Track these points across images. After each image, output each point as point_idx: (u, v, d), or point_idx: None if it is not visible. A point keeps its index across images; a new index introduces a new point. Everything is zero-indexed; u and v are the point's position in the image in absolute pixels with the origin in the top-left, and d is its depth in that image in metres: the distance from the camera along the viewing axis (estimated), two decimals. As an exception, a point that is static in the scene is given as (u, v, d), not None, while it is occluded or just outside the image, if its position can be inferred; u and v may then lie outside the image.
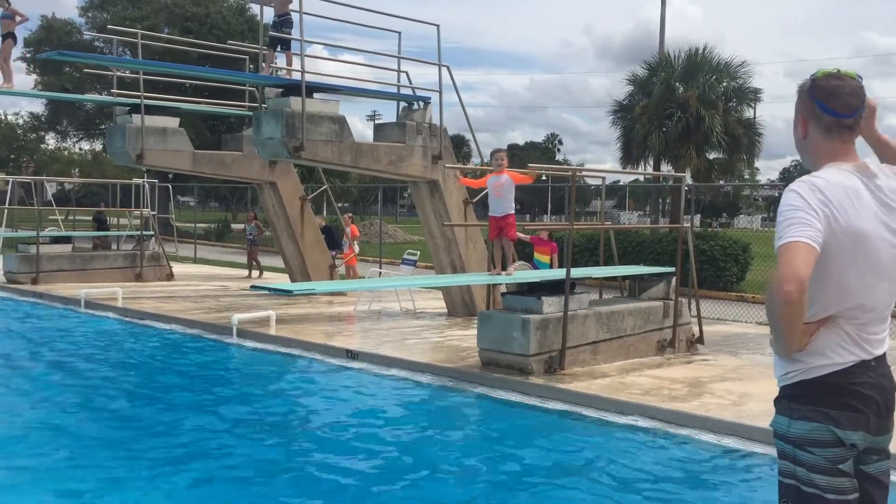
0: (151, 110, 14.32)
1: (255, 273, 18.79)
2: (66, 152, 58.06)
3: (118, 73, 15.11)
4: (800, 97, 2.64)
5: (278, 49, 12.32)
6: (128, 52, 29.30)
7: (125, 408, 7.48)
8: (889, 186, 2.54)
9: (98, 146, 48.48)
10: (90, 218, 25.00)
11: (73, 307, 13.60)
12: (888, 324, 2.58)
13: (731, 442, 6.35)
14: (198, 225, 31.44)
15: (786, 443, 2.53)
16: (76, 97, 31.45)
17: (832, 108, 2.54)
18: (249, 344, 10.50)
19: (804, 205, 2.39)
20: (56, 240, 18.37)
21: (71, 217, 27.18)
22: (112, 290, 13.92)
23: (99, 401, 7.68)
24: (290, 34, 11.89)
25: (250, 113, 14.38)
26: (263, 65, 11.99)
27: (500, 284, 9.76)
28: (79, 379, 8.59)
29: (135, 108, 14.09)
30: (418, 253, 14.90)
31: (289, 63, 12.25)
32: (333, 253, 16.69)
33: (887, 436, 2.56)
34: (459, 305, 12.85)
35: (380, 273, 15.97)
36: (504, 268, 9.49)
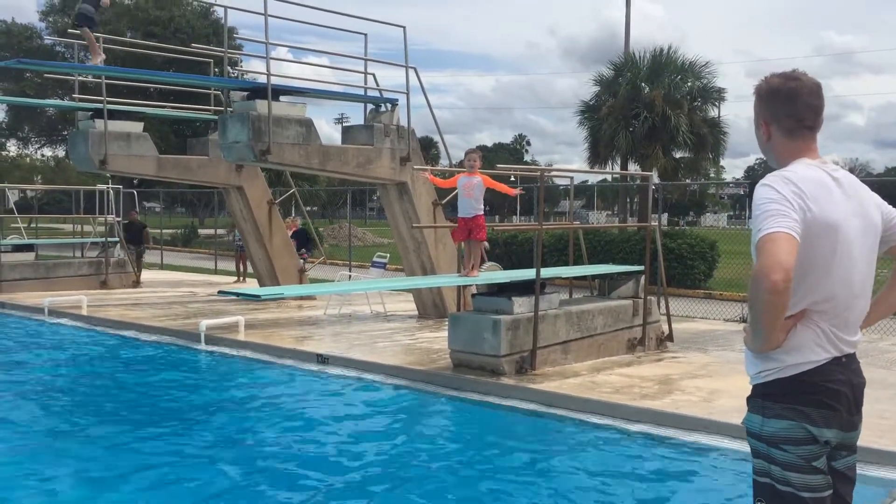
0: (115, 115, 14.13)
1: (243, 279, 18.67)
2: (27, 159, 57.06)
3: (80, 78, 14.88)
4: (759, 100, 2.65)
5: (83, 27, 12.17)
6: (90, 57, 28.88)
7: (87, 418, 7.33)
8: (846, 180, 2.57)
9: (61, 152, 47.73)
10: (53, 225, 24.60)
11: (36, 316, 13.35)
12: (860, 318, 2.60)
13: (701, 438, 6.38)
14: (164, 231, 31.06)
15: (759, 441, 2.53)
16: (37, 102, 30.96)
17: (793, 111, 2.56)
18: (218, 350, 10.37)
19: (779, 197, 2.40)
20: (18, 248, 18.03)
21: (34, 225, 26.70)
22: (77, 298, 13.69)
23: (60, 411, 7.53)
24: (91, 11, 11.78)
25: (216, 117, 14.23)
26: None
27: (471, 286, 9.75)
28: (41, 389, 8.42)
29: (98, 113, 13.88)
30: (388, 255, 14.85)
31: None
32: (306, 256, 16.60)
33: (856, 432, 2.58)
34: (430, 307, 12.82)
35: (349, 276, 15.89)
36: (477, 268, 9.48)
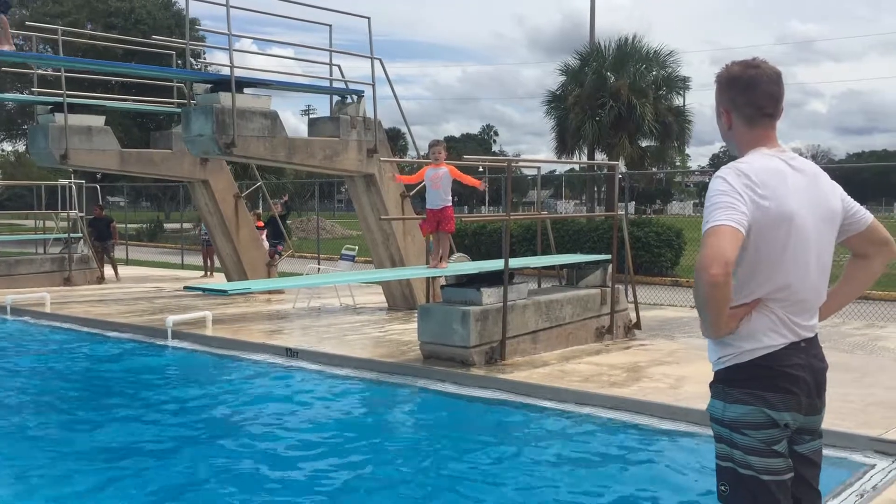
0: (75, 109, 13.87)
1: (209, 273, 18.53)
2: (-14, 154, 55.93)
3: (40, 72, 14.59)
4: (719, 89, 2.66)
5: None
6: (49, 50, 28.30)
7: (53, 416, 7.22)
8: (806, 168, 2.60)
9: (21, 147, 46.83)
10: (14, 222, 24.15)
11: (-2, 315, 13.10)
12: (818, 304, 2.63)
13: (668, 425, 6.45)
14: (129, 225, 30.64)
15: (722, 426, 2.56)
16: (-5, 96, 30.24)
17: (752, 98, 2.58)
18: (185, 346, 10.26)
19: (730, 189, 2.43)
20: (-22, 245, 17.67)
21: (-6, 221, 26.21)
22: (39, 295, 13.45)
23: (25, 409, 7.40)
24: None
25: (179, 110, 14.04)
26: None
27: (440, 277, 9.75)
28: (6, 388, 8.27)
29: (58, 107, 13.63)
30: (357, 248, 14.79)
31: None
32: (280, 248, 16.50)
33: (818, 416, 2.62)
34: (399, 299, 12.80)
35: (318, 269, 15.81)
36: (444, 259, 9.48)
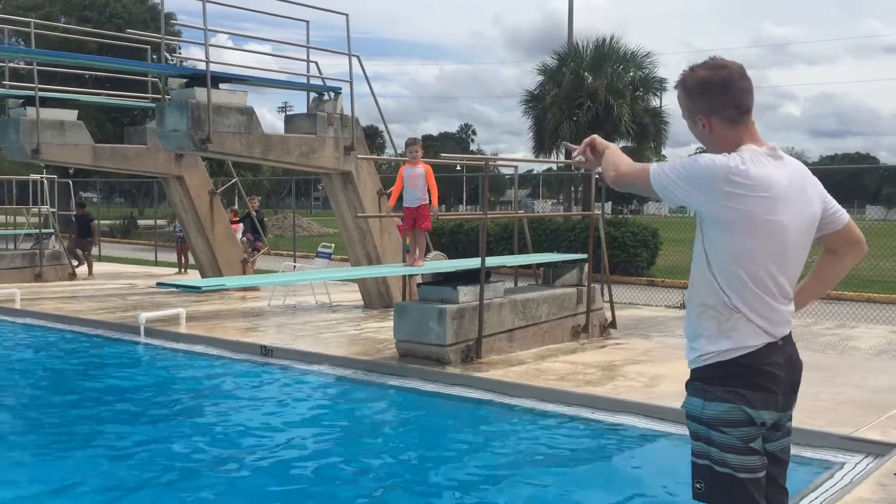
0: (47, 102, 13.68)
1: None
2: (-44, 148, 55.04)
3: (11, 65, 14.37)
4: (689, 95, 2.62)
5: None
6: (21, 43, 27.88)
7: (16, 412, 7.11)
8: (792, 166, 2.61)
9: (-8, 141, 46.11)
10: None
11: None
12: (792, 303, 2.64)
13: (643, 423, 6.47)
14: (102, 222, 30.29)
15: (699, 424, 2.57)
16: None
17: (730, 99, 2.57)
18: (158, 343, 10.15)
19: (700, 164, 2.50)
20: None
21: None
22: (9, 291, 13.25)
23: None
24: None
25: (154, 105, 13.89)
26: None
27: (416, 275, 9.73)
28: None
29: (29, 101, 13.42)
30: (333, 245, 14.73)
31: None
32: (260, 245, 16.41)
33: (789, 412, 2.64)
34: (375, 297, 12.76)
35: (294, 266, 15.71)
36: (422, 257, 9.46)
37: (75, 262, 17.72)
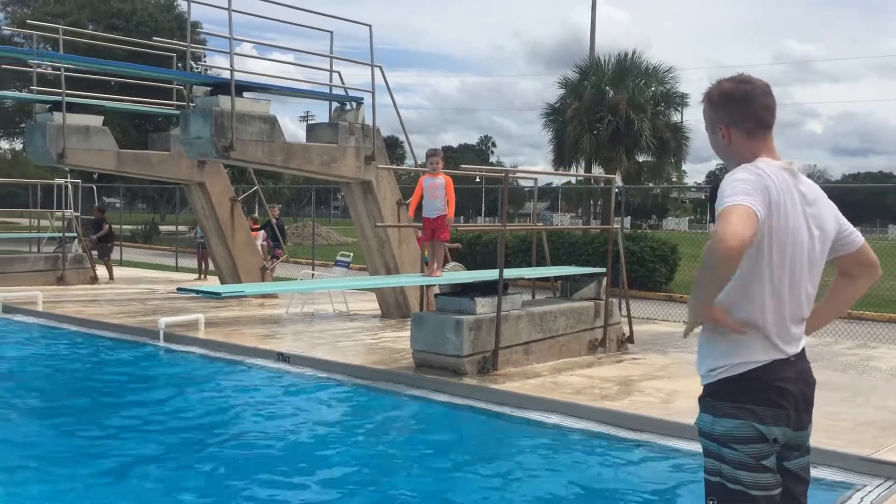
0: (74, 108, 13.85)
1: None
2: (-17, 151, 55.80)
3: (39, 70, 14.57)
4: (712, 106, 2.67)
5: None
6: (49, 49, 28.27)
7: (43, 416, 7.19)
8: (808, 186, 2.62)
9: (18, 145, 46.75)
10: (9, 220, 24.08)
11: (-11, 312, 13.05)
12: (804, 322, 2.64)
13: (659, 439, 6.44)
14: (124, 227, 30.57)
15: (710, 440, 2.56)
16: (-6, 94, 30.14)
17: (750, 113, 2.60)
18: (177, 348, 10.23)
19: (750, 180, 2.43)
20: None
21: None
22: (32, 293, 13.41)
23: (14, 409, 7.36)
24: None
25: (178, 112, 14.03)
26: None
27: (434, 286, 9.74)
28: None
29: (56, 106, 13.61)
30: (351, 254, 14.78)
31: None
32: (279, 252, 16.51)
33: (806, 431, 2.63)
34: (393, 307, 12.78)
35: (313, 275, 15.79)
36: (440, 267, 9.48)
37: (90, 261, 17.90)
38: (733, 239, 2.27)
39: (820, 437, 2.80)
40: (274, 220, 17.01)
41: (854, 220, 2.90)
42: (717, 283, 2.38)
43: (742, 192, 2.38)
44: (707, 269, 2.37)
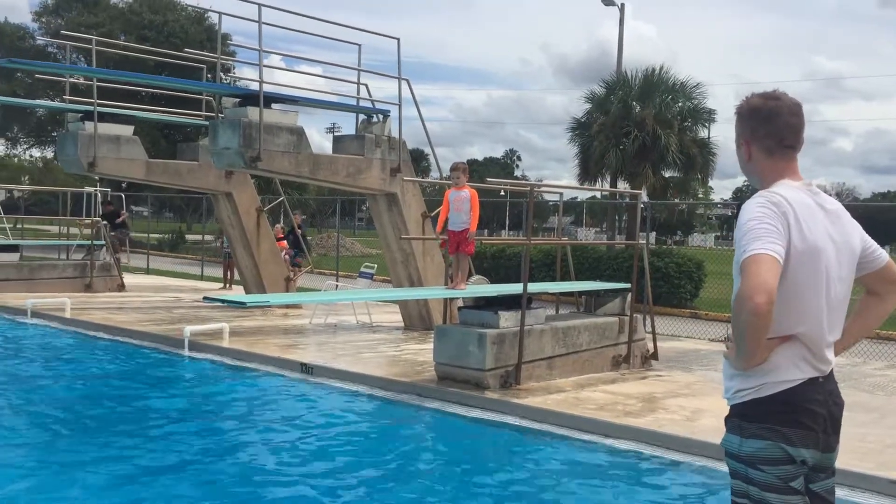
0: (105, 118, 14.05)
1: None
2: (15, 159, 56.75)
3: (71, 80, 14.83)
4: (740, 120, 2.67)
5: None
6: (82, 59, 28.82)
7: (69, 423, 7.26)
8: (830, 205, 2.59)
9: (49, 153, 47.52)
10: (39, 227, 24.48)
11: (19, 317, 13.23)
12: (835, 340, 2.61)
13: (683, 458, 6.38)
14: (151, 235, 30.92)
15: (738, 461, 2.53)
16: (27, 103, 30.77)
17: (773, 130, 2.58)
18: (202, 356, 10.30)
19: (765, 217, 2.41)
20: (3, 248, 17.88)
21: (19, 225, 26.53)
22: (60, 300, 13.58)
23: (40, 414, 7.45)
24: None
25: (206, 122, 14.20)
26: None
27: (457, 298, 9.74)
28: (21, 391, 8.33)
29: (87, 115, 13.82)
30: (375, 266, 14.82)
31: None
32: (300, 261, 16.60)
33: (833, 454, 2.59)
34: (416, 319, 12.79)
35: (336, 286, 15.85)
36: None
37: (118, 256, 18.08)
38: (760, 294, 2.27)
39: (847, 458, 2.75)
40: (298, 228, 17.13)
41: (884, 240, 2.88)
42: (757, 336, 2.36)
43: (757, 237, 2.37)
44: (741, 328, 2.36)
